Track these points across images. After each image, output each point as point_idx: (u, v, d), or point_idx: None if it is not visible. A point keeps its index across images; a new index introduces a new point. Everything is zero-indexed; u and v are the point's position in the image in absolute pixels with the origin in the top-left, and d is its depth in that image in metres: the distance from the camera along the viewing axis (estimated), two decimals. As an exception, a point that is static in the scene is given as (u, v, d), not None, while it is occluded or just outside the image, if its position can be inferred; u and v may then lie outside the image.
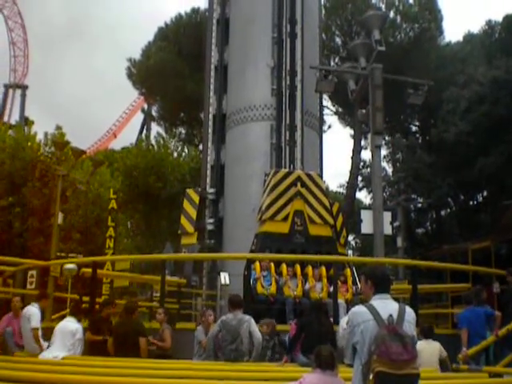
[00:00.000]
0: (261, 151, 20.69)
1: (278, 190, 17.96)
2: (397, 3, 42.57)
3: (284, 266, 15.75)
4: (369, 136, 33.11)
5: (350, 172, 41.30)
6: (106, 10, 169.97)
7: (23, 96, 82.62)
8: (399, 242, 34.86)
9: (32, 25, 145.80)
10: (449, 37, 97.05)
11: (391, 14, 41.31)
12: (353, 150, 41.22)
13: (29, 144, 30.80)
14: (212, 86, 23.26)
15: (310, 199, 18.14)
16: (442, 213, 44.40)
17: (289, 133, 20.66)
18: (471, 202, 42.44)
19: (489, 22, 42.39)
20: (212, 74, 23.37)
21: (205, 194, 22.01)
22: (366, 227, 16.54)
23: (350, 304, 14.29)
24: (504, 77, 32.02)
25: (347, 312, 13.41)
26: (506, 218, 19.91)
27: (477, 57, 40.13)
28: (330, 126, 47.16)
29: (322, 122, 26.08)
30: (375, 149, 16.51)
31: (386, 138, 45.01)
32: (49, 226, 26.01)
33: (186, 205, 21.60)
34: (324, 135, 25.59)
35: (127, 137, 76.04)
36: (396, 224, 34.86)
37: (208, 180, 22.47)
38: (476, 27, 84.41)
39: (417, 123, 47.52)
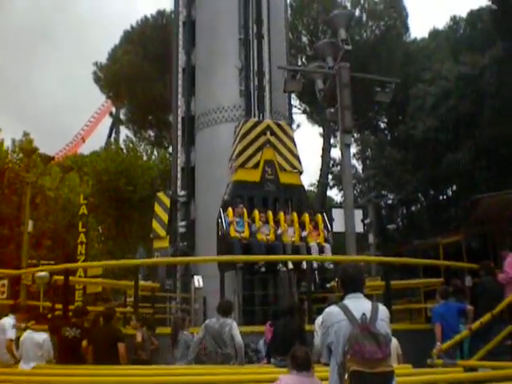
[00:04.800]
0: (231, 152, 20.66)
1: (248, 139, 18.50)
2: (362, 1, 42.92)
3: (256, 212, 16.79)
4: (338, 134, 33.22)
5: (321, 170, 41.47)
6: (71, 13, 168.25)
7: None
8: (371, 238, 34.99)
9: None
10: (414, 33, 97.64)
11: (357, 12, 41.69)
12: (322, 149, 41.46)
13: (-4, 152, 30.50)
14: (180, 89, 23.13)
15: (279, 147, 18.69)
16: (413, 208, 44.74)
17: (258, 134, 20.64)
18: (441, 197, 42.78)
19: (453, 18, 42.94)
20: (180, 76, 23.27)
21: (176, 197, 21.91)
22: (338, 226, 16.64)
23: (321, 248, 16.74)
24: (469, 72, 32.35)
25: (319, 253, 16.42)
26: (475, 212, 20.09)
27: (443, 53, 40.53)
28: (298, 125, 47.22)
29: (291, 121, 26.13)
30: (344, 147, 16.54)
31: (355, 135, 45.26)
32: (19, 233, 25.76)
33: (158, 209, 21.51)
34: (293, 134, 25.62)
35: (96, 141, 75.00)
36: (367, 221, 35.01)
37: (179, 183, 22.35)
38: (441, 23, 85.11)
39: (385, 120, 47.82)
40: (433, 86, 35.05)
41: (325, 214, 18.28)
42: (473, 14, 39.60)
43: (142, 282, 17.13)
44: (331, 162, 45.45)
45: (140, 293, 14.57)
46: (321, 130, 45.99)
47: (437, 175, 35.62)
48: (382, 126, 48.39)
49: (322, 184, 41.83)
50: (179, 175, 22.47)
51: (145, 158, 44.57)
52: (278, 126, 19.13)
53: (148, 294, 17.89)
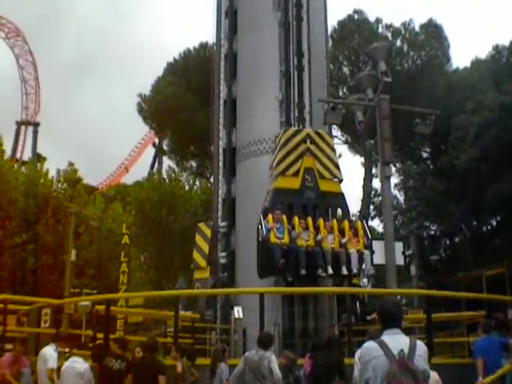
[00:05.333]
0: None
1: (288, 147, 18.72)
2: (403, 32, 43.00)
3: (296, 219, 17.12)
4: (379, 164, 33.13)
5: (362, 201, 41.31)
6: (117, 45, 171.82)
7: (35, 133, 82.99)
8: (413, 270, 34.68)
9: (44, 60, 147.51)
10: (456, 63, 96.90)
11: (398, 43, 41.73)
12: (364, 179, 41.32)
13: (41, 181, 31.06)
14: (221, 120, 23.30)
15: (319, 155, 18.91)
16: (456, 239, 44.24)
17: (299, 165, 20.72)
18: (485, 228, 42.25)
19: (496, 47, 42.59)
20: (221, 108, 23.45)
21: (216, 228, 21.99)
22: (378, 258, 16.63)
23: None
24: (512, 102, 32.08)
25: (359, 260, 16.82)
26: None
27: (485, 82, 40.20)
28: (340, 156, 46.95)
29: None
30: (385, 179, 16.53)
31: (397, 165, 45.12)
32: (62, 262, 26.14)
33: (198, 239, 21.62)
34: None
35: (139, 171, 76.31)
36: (409, 252, 34.68)
37: (219, 213, 22.42)
38: (483, 53, 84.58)
39: (427, 150, 47.56)
40: (475, 116, 34.82)
41: (364, 222, 18.50)
42: (515, 43, 39.36)
43: (182, 313, 17.18)
44: (373, 193, 45.29)
45: (180, 323, 14.61)
46: (362, 159, 45.93)
47: (480, 206, 35.21)
48: (425, 155, 48.14)
49: (364, 214, 41.61)
50: (220, 206, 22.54)
51: (187, 188, 44.96)
52: (318, 134, 19.32)
53: (188, 325, 17.93)
